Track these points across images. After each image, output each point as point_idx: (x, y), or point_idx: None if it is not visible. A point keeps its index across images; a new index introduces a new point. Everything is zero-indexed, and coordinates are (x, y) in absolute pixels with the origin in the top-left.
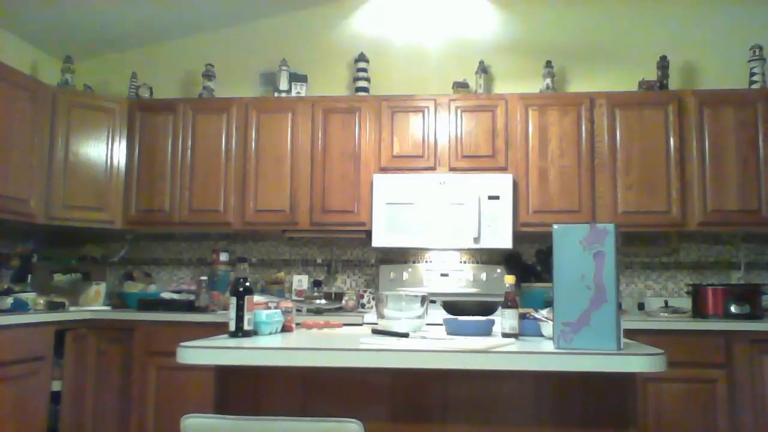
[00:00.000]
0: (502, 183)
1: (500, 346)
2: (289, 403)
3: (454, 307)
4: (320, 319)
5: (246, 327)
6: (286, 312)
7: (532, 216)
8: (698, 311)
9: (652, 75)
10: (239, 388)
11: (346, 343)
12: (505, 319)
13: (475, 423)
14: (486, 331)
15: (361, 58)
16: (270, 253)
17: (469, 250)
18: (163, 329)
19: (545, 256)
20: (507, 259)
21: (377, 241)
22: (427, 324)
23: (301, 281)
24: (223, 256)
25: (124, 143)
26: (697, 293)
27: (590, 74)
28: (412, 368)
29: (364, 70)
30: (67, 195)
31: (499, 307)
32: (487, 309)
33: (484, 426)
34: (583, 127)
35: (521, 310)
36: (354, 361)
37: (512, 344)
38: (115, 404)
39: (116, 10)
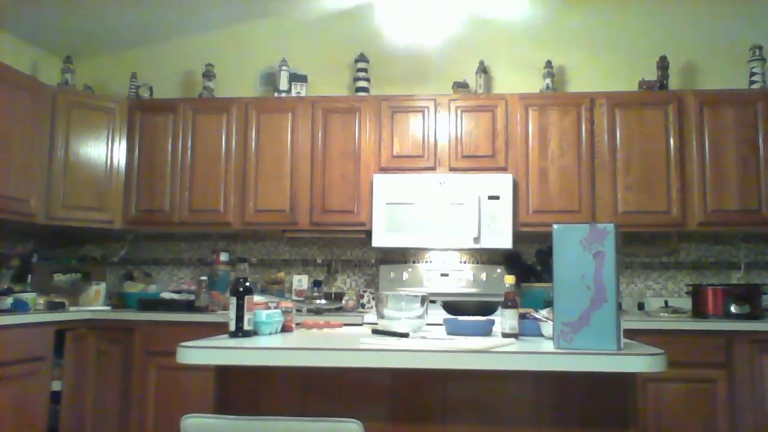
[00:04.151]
0: (502, 183)
1: (500, 346)
2: (289, 403)
3: (454, 307)
4: (320, 319)
5: (246, 327)
6: (286, 312)
7: (532, 216)
8: (698, 311)
9: (652, 75)
10: (239, 388)
11: (346, 343)
12: (505, 319)
13: (475, 423)
14: (486, 331)
15: (361, 58)
16: (270, 253)
17: (469, 250)
18: (163, 329)
19: (545, 256)
20: (507, 259)
21: (377, 241)
22: (427, 324)
23: (301, 281)
24: (223, 256)
25: (124, 143)
26: (697, 293)
27: (590, 74)
28: (412, 368)
29: (364, 70)
30: (67, 195)
31: (499, 307)
32: (487, 309)
33: (484, 426)
34: (583, 127)
35: (521, 310)
36: (354, 361)
37: (512, 344)
38: (115, 404)
39: (116, 10)
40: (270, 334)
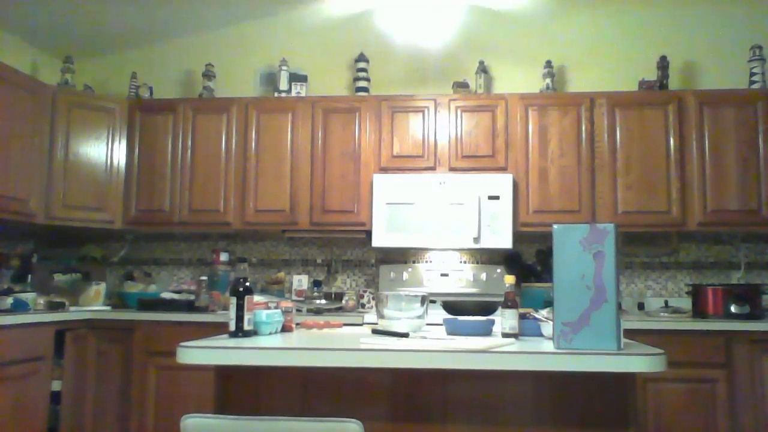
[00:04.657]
0: (502, 183)
1: (500, 346)
2: (289, 403)
3: (454, 307)
4: (320, 319)
5: (246, 327)
6: (286, 312)
7: (532, 216)
8: (698, 311)
9: (652, 75)
10: (239, 388)
11: (346, 343)
12: (505, 319)
13: (475, 423)
14: (486, 331)
15: (361, 58)
16: (270, 253)
17: (469, 250)
18: (163, 329)
19: (545, 256)
20: (507, 259)
21: (377, 241)
22: (427, 324)
23: (301, 281)
24: (223, 256)
25: (124, 143)
26: (697, 293)
27: (590, 74)
28: (412, 368)
29: (364, 70)
30: (67, 195)
31: (499, 307)
32: (487, 309)
33: (484, 426)
34: (583, 127)
35: (521, 310)
36: (354, 361)
37: (512, 344)
38: (115, 404)
39: (116, 10)
40: (270, 334)
